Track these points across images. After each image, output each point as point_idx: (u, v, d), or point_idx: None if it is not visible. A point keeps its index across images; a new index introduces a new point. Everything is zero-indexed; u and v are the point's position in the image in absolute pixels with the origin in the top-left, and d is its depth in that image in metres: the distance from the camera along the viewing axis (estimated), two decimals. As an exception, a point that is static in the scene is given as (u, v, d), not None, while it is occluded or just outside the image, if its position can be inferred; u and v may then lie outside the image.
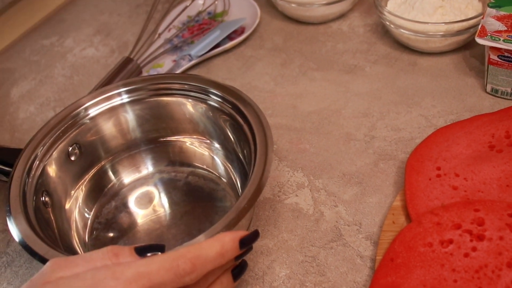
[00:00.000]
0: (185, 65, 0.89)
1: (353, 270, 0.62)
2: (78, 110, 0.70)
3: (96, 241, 0.68)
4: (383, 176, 0.71)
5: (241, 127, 0.66)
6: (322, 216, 0.68)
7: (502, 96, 0.78)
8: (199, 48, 0.91)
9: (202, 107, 0.71)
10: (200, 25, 0.99)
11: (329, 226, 0.67)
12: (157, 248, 0.53)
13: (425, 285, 0.57)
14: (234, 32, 0.95)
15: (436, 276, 0.57)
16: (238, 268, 0.56)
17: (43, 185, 0.66)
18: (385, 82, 0.84)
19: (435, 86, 0.82)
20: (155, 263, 0.49)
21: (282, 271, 0.63)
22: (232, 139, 0.69)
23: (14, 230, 0.59)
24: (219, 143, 0.72)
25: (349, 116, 0.79)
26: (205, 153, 0.74)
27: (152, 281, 0.48)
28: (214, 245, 0.51)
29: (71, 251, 0.65)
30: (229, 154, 0.71)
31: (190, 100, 0.71)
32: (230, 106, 0.67)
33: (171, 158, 0.75)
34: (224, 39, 0.93)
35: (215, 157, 0.73)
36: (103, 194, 0.73)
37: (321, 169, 0.73)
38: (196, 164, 0.74)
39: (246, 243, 0.53)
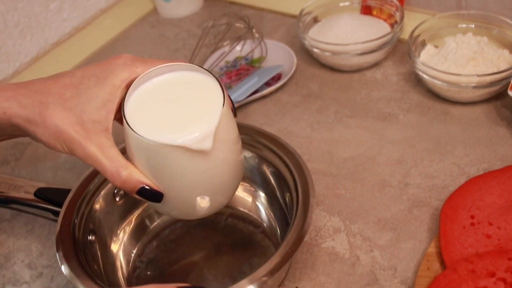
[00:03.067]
0: (225, 109, 0.92)
1: (388, 314, 0.64)
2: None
3: (139, 280, 0.71)
4: (417, 223, 0.73)
5: (283, 175, 0.68)
6: (358, 260, 0.70)
7: (534, 147, 0.80)
8: (238, 93, 0.94)
9: (250, 154, 0.74)
10: (238, 71, 1.02)
11: (365, 270, 0.69)
12: None
13: (460, 331, 0.58)
14: (271, 78, 0.98)
15: (470, 322, 0.59)
16: None
17: (90, 224, 0.69)
18: (418, 130, 0.86)
19: (467, 135, 0.84)
20: None
21: (320, 313, 0.65)
22: (275, 186, 0.72)
23: (64, 267, 0.62)
24: (262, 190, 0.75)
25: (384, 163, 0.82)
26: (248, 198, 0.76)
27: None
28: None
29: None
30: (271, 200, 0.74)
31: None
32: (273, 154, 0.70)
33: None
34: (261, 85, 0.96)
35: (257, 202, 0.76)
36: (146, 233, 0.75)
37: (357, 214, 0.75)
38: (237, 207, 0.77)
39: None
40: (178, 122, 0.56)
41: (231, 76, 1.01)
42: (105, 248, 0.71)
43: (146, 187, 0.57)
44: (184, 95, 0.59)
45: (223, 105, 0.56)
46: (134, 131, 0.55)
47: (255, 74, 0.98)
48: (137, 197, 0.58)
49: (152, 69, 0.59)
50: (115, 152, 0.57)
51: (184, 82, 0.60)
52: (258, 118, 0.93)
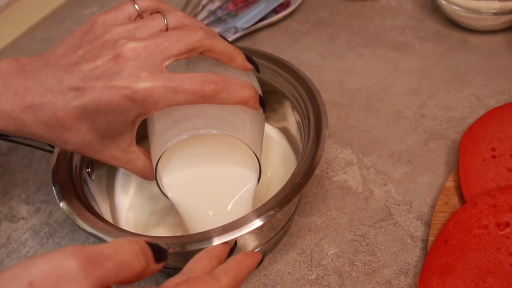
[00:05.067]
0: (230, 37, 0.88)
1: (403, 250, 0.61)
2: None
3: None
4: (434, 156, 0.69)
5: (293, 102, 0.64)
6: (371, 194, 0.66)
7: (558, 77, 0.76)
8: (244, 20, 0.90)
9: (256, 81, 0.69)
10: (244, -3, 0.98)
11: (378, 205, 0.65)
12: (166, 256, 0.43)
13: (480, 268, 0.55)
14: (280, 5, 0.94)
15: (491, 259, 0.56)
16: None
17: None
18: (435, 60, 0.82)
19: (487, 65, 0.80)
20: None
21: (331, 249, 0.62)
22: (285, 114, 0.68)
23: (62, 201, 0.58)
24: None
25: (399, 93, 0.78)
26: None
27: None
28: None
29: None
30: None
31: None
32: (284, 81, 0.66)
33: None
34: (269, 12, 0.92)
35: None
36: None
37: (370, 147, 0.71)
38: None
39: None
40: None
41: (237, 2, 0.96)
42: (103, 180, 0.67)
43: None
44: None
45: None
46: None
47: (263, 0, 0.93)
48: None
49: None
50: (141, 164, 0.59)
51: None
52: (265, 47, 0.88)
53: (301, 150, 0.59)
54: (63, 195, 0.58)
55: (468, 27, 0.85)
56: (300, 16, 0.94)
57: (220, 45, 0.54)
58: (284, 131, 0.69)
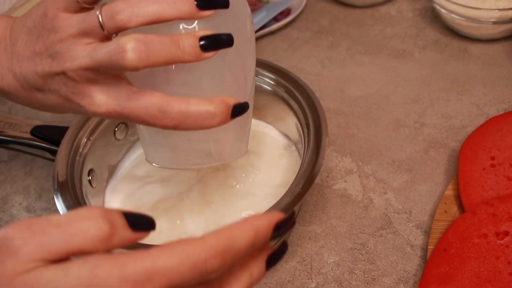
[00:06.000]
0: (231, 45, 0.88)
1: (403, 259, 0.61)
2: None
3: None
4: (434, 164, 0.70)
5: (294, 110, 0.65)
6: (371, 203, 0.66)
7: (557, 86, 0.76)
8: (245, 29, 0.90)
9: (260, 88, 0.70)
10: (245, 6, 0.98)
11: (378, 213, 0.65)
12: (149, 222, 0.40)
13: (479, 276, 0.55)
14: (280, 13, 0.94)
15: (490, 268, 0.56)
16: (275, 255, 0.42)
17: (89, 163, 0.66)
18: (435, 68, 0.82)
19: (487, 74, 0.80)
20: (176, 256, 0.36)
21: (331, 258, 0.62)
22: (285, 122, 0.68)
23: (61, 209, 0.58)
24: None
25: (398, 101, 0.78)
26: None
27: (172, 281, 0.35)
28: (247, 233, 0.39)
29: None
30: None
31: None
32: (284, 90, 0.66)
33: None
34: (270, 20, 0.92)
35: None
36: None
37: (370, 155, 0.72)
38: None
39: (281, 229, 0.40)
40: None
41: (238, 11, 0.96)
42: (104, 188, 0.68)
43: None
44: None
45: None
46: None
47: (263, 8, 0.94)
48: None
49: None
50: None
51: None
52: (266, 55, 0.89)
53: (301, 158, 0.60)
54: (64, 203, 0.59)
55: (468, 36, 0.85)
56: (301, 24, 0.94)
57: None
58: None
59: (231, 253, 0.38)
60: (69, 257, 0.35)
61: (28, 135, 0.70)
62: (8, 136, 0.70)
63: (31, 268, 0.34)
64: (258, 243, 0.40)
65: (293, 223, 0.42)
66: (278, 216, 0.40)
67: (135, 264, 0.35)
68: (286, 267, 0.62)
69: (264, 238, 0.40)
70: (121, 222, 0.37)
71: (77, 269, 0.34)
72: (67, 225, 0.35)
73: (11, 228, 0.35)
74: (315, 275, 0.61)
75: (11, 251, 0.34)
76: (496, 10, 0.80)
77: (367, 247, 0.63)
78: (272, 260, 0.42)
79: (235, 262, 0.39)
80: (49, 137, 0.69)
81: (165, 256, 0.35)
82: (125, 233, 0.37)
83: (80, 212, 0.36)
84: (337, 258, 0.62)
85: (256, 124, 0.71)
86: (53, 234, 0.35)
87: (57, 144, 0.66)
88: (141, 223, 0.38)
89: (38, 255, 0.34)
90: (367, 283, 0.59)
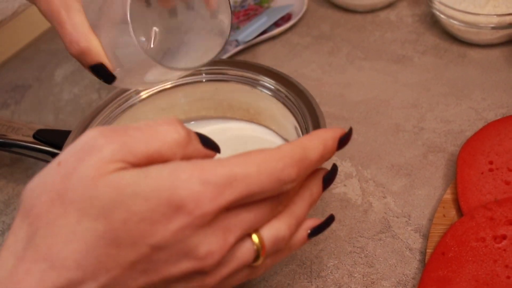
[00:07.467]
0: (232, 50, 0.89)
1: (402, 262, 0.62)
2: (129, 92, 0.70)
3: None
4: (433, 169, 0.70)
5: (293, 115, 0.65)
6: (370, 207, 0.67)
7: (556, 91, 0.77)
8: (246, 33, 0.91)
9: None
10: (246, 11, 0.98)
11: (377, 217, 0.66)
12: (215, 144, 0.42)
13: (477, 280, 0.56)
14: (281, 18, 0.95)
15: (488, 271, 0.56)
16: (330, 174, 0.44)
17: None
18: (434, 73, 0.83)
19: (485, 79, 0.81)
20: (254, 164, 0.37)
21: (330, 261, 0.63)
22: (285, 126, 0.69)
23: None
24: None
25: (398, 106, 0.78)
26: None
27: (250, 188, 0.36)
28: (317, 145, 0.40)
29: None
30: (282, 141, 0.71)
31: (246, 86, 0.70)
32: (284, 95, 0.67)
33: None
34: (270, 25, 0.93)
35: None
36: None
37: (369, 160, 0.72)
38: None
39: (344, 142, 0.43)
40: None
41: (239, 16, 0.97)
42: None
43: (103, 65, 0.54)
44: None
45: None
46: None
47: (264, 14, 0.94)
48: (90, 71, 0.55)
49: None
50: (80, 19, 0.53)
51: None
52: (266, 60, 0.89)
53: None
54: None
55: (467, 41, 0.86)
56: (301, 30, 0.95)
57: None
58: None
59: (305, 163, 0.39)
60: (149, 162, 0.37)
61: (31, 139, 0.70)
62: (11, 139, 0.71)
63: (113, 169, 0.36)
64: (326, 155, 0.41)
65: (349, 138, 0.44)
66: (340, 130, 0.43)
67: (215, 169, 0.36)
68: (285, 270, 0.62)
69: (331, 150, 0.42)
70: (194, 135, 0.39)
71: (157, 171, 0.36)
72: (147, 128, 0.37)
73: (94, 130, 0.37)
74: (315, 278, 0.61)
75: (95, 149, 0.36)
76: (495, 16, 0.81)
77: (366, 250, 0.63)
78: (328, 180, 0.44)
79: (307, 174, 0.41)
80: (52, 141, 0.70)
81: (243, 164, 0.36)
82: (198, 145, 0.39)
83: (159, 119, 0.38)
84: (336, 262, 0.63)
85: (256, 130, 0.72)
86: (135, 135, 0.37)
87: (60, 148, 0.67)
88: (209, 142, 0.40)
89: (120, 154, 0.36)
90: (366, 286, 0.60)
